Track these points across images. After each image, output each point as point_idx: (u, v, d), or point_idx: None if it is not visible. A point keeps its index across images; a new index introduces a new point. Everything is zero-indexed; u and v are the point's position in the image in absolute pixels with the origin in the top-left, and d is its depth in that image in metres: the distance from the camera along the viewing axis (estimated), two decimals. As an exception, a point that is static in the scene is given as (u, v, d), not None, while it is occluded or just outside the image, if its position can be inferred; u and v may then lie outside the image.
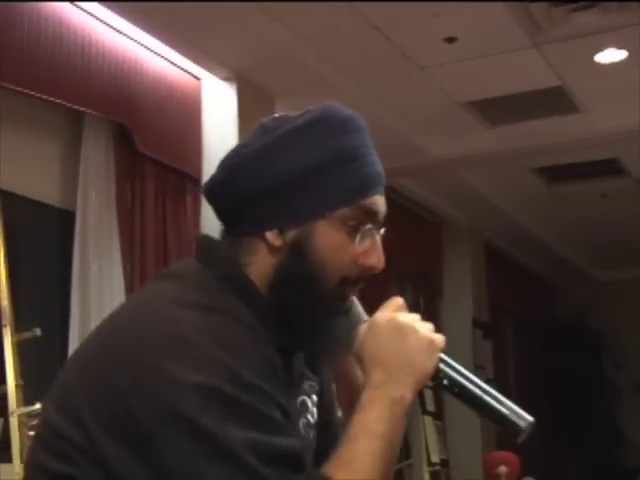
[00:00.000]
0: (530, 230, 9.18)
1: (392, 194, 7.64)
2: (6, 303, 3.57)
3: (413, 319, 1.38)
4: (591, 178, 7.85)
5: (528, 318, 10.49)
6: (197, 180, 5.12)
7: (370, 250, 1.41)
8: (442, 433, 7.52)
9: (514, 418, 1.39)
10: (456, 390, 1.40)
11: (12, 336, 3.51)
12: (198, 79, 5.39)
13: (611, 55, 5.53)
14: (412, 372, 1.33)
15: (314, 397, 1.52)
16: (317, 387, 1.52)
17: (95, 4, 4.47)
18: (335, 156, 1.37)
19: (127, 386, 1.21)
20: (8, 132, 4.18)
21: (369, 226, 1.41)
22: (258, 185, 1.35)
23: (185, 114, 5.20)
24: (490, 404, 1.39)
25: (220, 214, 1.42)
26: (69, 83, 4.37)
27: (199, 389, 1.18)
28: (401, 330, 1.35)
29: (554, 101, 6.19)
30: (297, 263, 1.34)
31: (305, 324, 1.37)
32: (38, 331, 3.54)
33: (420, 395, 6.98)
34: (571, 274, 11.10)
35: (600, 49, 5.45)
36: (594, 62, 5.61)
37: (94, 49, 4.56)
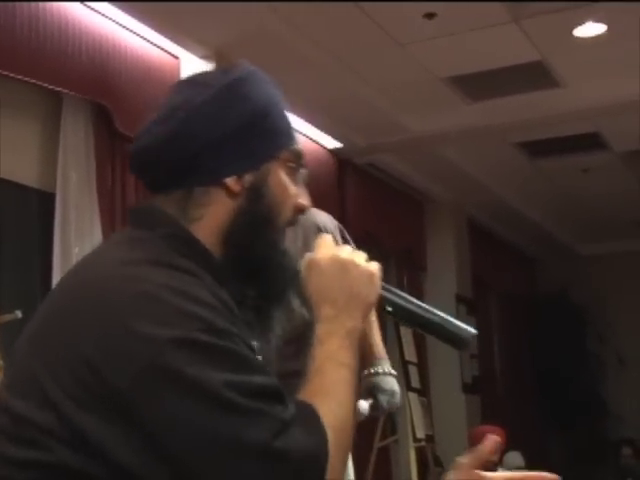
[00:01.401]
0: (513, 205, 9.20)
1: (373, 171, 7.65)
2: (-13, 286, 3.55)
3: (351, 254, 1.45)
4: (573, 152, 7.87)
5: (512, 293, 10.53)
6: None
7: (301, 192, 1.47)
8: (427, 409, 7.54)
9: (458, 331, 1.48)
10: (400, 315, 1.49)
11: (-7, 318, 3.50)
12: (176, 58, 5.36)
13: (590, 29, 5.53)
14: (359, 304, 1.41)
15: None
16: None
17: (71, -17, 4.44)
18: (275, 102, 1.45)
19: (95, 353, 1.19)
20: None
21: (303, 166, 1.48)
22: (216, 134, 1.37)
23: (164, 93, 5.15)
24: (434, 322, 1.48)
25: (162, 172, 1.40)
26: (47, 64, 4.34)
27: (174, 342, 1.18)
28: (343, 266, 1.42)
29: (534, 76, 6.19)
30: (257, 205, 1.39)
31: (271, 265, 1.42)
32: (19, 313, 3.52)
33: (405, 372, 7.00)
34: (554, 248, 11.14)
35: (579, 23, 5.44)
36: (573, 36, 5.61)
37: (71, 29, 4.52)
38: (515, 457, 7.45)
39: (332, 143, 7.07)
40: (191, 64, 5.35)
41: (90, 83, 4.60)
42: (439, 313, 1.47)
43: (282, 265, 1.44)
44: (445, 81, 6.26)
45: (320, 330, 1.38)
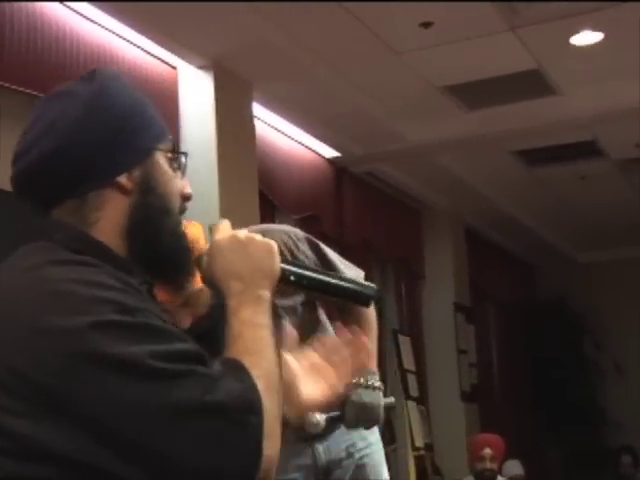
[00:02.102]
0: (510, 213, 9.20)
1: (371, 180, 7.66)
2: None
3: (246, 232, 1.52)
4: (570, 160, 7.87)
5: (510, 301, 10.52)
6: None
7: (185, 181, 1.54)
8: (426, 417, 7.55)
9: (362, 289, 1.55)
10: (304, 282, 1.54)
11: None
12: (174, 68, 5.37)
13: (587, 37, 5.54)
14: (264, 275, 1.47)
15: None
16: None
17: (69, -6, 4.45)
18: (141, 100, 1.50)
19: (16, 359, 1.23)
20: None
21: (183, 158, 1.54)
22: (98, 138, 1.41)
23: (162, 103, 5.17)
24: (338, 284, 1.55)
25: (52, 187, 1.42)
26: (45, 75, 4.34)
27: (92, 327, 1.22)
28: (242, 243, 1.49)
29: (531, 84, 6.21)
30: (149, 198, 1.44)
31: (165, 253, 1.47)
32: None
33: (403, 381, 7.00)
34: (552, 256, 11.14)
35: (576, 31, 5.46)
36: (570, 44, 5.62)
37: (69, 40, 4.53)
38: (514, 466, 7.45)
39: (330, 152, 7.08)
40: (189, 74, 5.36)
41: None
42: (341, 276, 1.57)
43: (185, 251, 1.50)
44: (442, 90, 6.27)
45: (232, 303, 1.44)
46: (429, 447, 7.34)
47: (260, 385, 1.31)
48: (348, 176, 7.39)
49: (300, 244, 2.98)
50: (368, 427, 3.04)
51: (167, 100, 5.24)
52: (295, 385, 1.63)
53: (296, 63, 5.50)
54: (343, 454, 3.15)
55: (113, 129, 1.42)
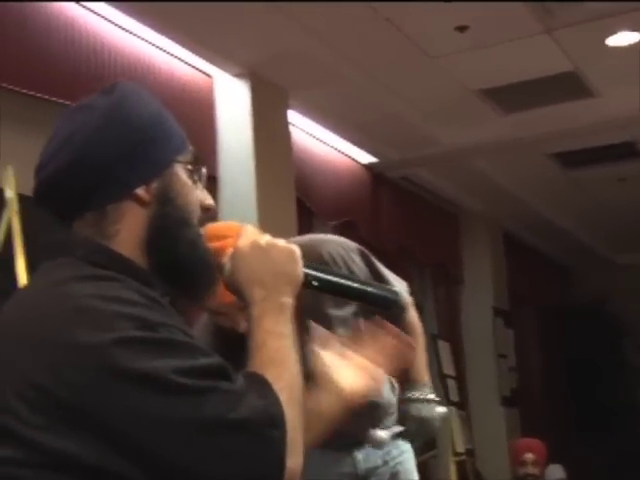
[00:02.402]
0: (547, 216, 9.15)
1: (407, 185, 7.65)
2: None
3: (269, 237, 1.52)
4: (607, 162, 7.82)
5: (548, 304, 10.46)
6: (213, 177, 5.13)
7: (204, 193, 1.53)
8: (466, 423, 7.51)
9: (385, 294, 1.54)
10: (327, 287, 1.54)
11: None
12: (210, 77, 5.39)
13: (623, 38, 5.50)
14: (287, 281, 1.48)
15: None
16: None
17: (103, 5, 4.48)
18: (161, 112, 1.50)
19: (42, 375, 1.24)
20: (24, 136, 4.18)
21: (204, 170, 1.54)
22: (116, 150, 1.41)
23: (198, 112, 5.21)
24: (361, 289, 1.54)
25: (71, 199, 1.43)
26: (82, 86, 4.37)
27: (115, 344, 1.23)
28: (264, 249, 1.49)
29: (567, 86, 6.17)
30: (168, 209, 1.45)
31: (186, 264, 1.47)
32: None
33: (444, 386, 6.98)
34: (590, 259, 11.06)
35: (612, 32, 5.42)
36: (606, 46, 5.58)
37: (106, 51, 4.57)
38: (556, 470, 7.39)
39: (366, 158, 7.08)
40: (225, 83, 5.38)
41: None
42: (364, 280, 1.58)
43: (205, 262, 1.49)
44: (477, 93, 6.25)
45: (255, 311, 1.44)
46: (470, 452, 7.31)
47: (283, 397, 1.33)
48: (384, 181, 7.38)
49: (353, 255, 2.99)
50: (427, 440, 3.09)
51: (204, 108, 5.27)
52: (330, 376, 1.63)
53: (331, 69, 5.50)
54: (379, 462, 3.16)
55: (130, 141, 1.42)
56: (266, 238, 1.51)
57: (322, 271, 1.54)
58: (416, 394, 3.02)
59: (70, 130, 1.43)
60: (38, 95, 4.13)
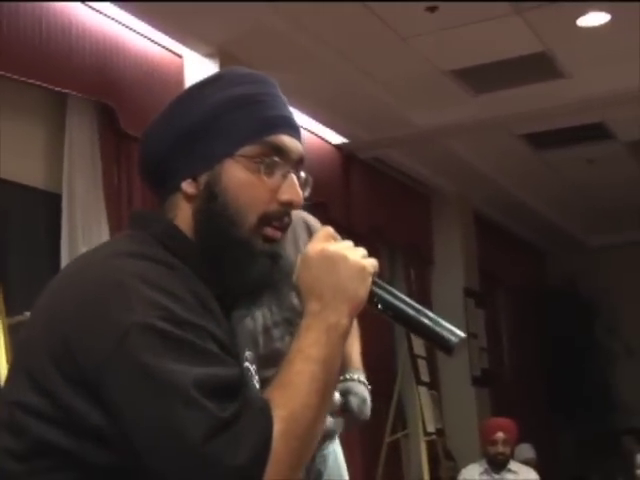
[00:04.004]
0: (519, 197, 9.19)
1: (379, 165, 7.65)
2: (-5, 287, 3.56)
3: (343, 247, 1.42)
4: (578, 143, 7.85)
5: (520, 285, 10.51)
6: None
7: (285, 186, 1.45)
8: (437, 403, 7.54)
9: (447, 334, 1.44)
10: (390, 313, 1.45)
11: (2, 320, 3.51)
12: (180, 57, 5.37)
13: (593, 18, 5.52)
14: (346, 299, 1.38)
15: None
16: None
17: (73, -16, 4.44)
18: (233, 101, 1.45)
19: (70, 333, 1.28)
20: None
21: (274, 159, 1.45)
22: (164, 143, 1.44)
23: (168, 92, 5.16)
24: (424, 323, 1.44)
25: (152, 186, 1.52)
26: (51, 65, 4.35)
27: (137, 328, 1.24)
28: (331, 260, 1.39)
29: (538, 67, 6.18)
30: (210, 205, 1.41)
31: (227, 263, 1.42)
32: (28, 314, 3.52)
33: (414, 366, 7.00)
34: (561, 240, 11.12)
35: (582, 13, 5.43)
36: (577, 26, 5.60)
37: (75, 30, 4.53)
38: (526, 449, 7.46)
39: (337, 138, 7.07)
40: (195, 63, 5.35)
41: (94, 83, 4.60)
42: (430, 314, 1.45)
43: (248, 264, 1.43)
44: (449, 74, 6.25)
45: (302, 324, 1.38)
46: (441, 432, 7.33)
47: (278, 430, 1.26)
48: (356, 162, 7.38)
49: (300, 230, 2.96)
50: (363, 420, 3.07)
51: (174, 88, 5.23)
52: None
53: (302, 49, 5.49)
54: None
55: (179, 135, 1.43)
56: (339, 247, 1.42)
57: (391, 294, 1.45)
58: (354, 376, 3.03)
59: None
60: (5, 74, 4.09)
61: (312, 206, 6.58)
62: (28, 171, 4.51)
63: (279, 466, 1.25)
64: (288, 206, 1.46)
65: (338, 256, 1.39)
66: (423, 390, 7.05)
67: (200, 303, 1.32)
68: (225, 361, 1.29)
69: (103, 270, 1.32)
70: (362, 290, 1.40)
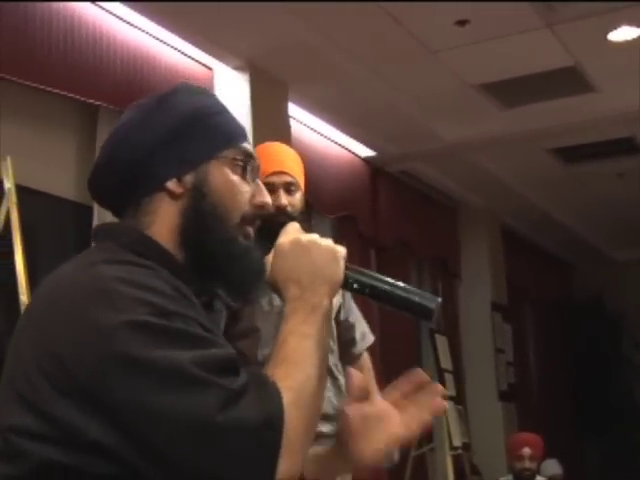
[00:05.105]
0: (547, 211, 9.15)
1: (407, 179, 7.65)
2: (25, 298, 3.59)
3: (313, 236, 1.49)
4: (607, 157, 7.82)
5: (547, 300, 10.46)
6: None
7: (257, 190, 1.52)
8: (463, 417, 7.52)
9: (424, 302, 1.48)
10: (367, 291, 1.50)
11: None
12: (210, 69, 5.39)
13: (624, 33, 5.50)
14: (324, 282, 1.44)
15: None
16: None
17: (105, -3, 4.48)
18: (209, 107, 1.52)
19: (60, 348, 1.27)
20: (23, 127, 4.20)
21: (256, 163, 1.53)
22: (146, 144, 1.46)
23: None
24: (400, 295, 1.49)
25: (111, 194, 1.51)
26: (82, 77, 4.38)
27: (126, 326, 1.25)
28: (305, 247, 1.46)
29: (568, 81, 6.16)
30: (200, 204, 1.46)
31: (221, 258, 1.46)
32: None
33: (441, 380, 6.98)
34: (589, 255, 11.06)
35: (613, 27, 5.41)
36: (607, 40, 5.57)
37: (105, 43, 4.56)
38: (552, 465, 7.40)
39: (365, 152, 7.08)
40: (225, 75, 5.38)
41: (125, 95, 4.63)
42: (404, 286, 1.49)
43: (240, 259, 1.48)
44: (478, 88, 6.24)
45: (286, 309, 1.43)
46: (467, 447, 7.31)
47: (287, 398, 1.30)
48: (384, 175, 7.38)
49: None
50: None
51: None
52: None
53: (331, 63, 5.50)
54: None
55: (162, 136, 1.45)
56: (310, 236, 1.48)
57: (364, 274, 1.51)
58: None
59: (115, 127, 1.49)
60: (37, 86, 4.13)
61: (340, 219, 6.71)
62: (59, 182, 4.54)
63: (293, 433, 1.28)
64: (261, 209, 1.52)
65: (311, 243, 1.46)
66: (449, 404, 7.03)
67: (183, 298, 1.35)
68: (218, 343, 1.32)
69: (81, 280, 1.33)
70: (338, 272, 1.46)
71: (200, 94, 1.54)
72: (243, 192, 1.49)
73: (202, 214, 1.45)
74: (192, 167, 1.46)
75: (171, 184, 1.45)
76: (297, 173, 3.13)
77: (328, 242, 1.48)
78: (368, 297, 1.51)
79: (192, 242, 1.45)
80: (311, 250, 1.45)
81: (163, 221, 1.46)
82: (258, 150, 3.38)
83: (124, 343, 1.24)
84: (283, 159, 3.17)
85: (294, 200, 3.06)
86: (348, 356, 3.28)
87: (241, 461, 1.25)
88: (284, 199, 3.02)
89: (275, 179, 3.03)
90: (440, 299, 1.50)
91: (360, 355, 3.46)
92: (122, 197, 1.49)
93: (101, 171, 1.50)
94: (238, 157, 1.50)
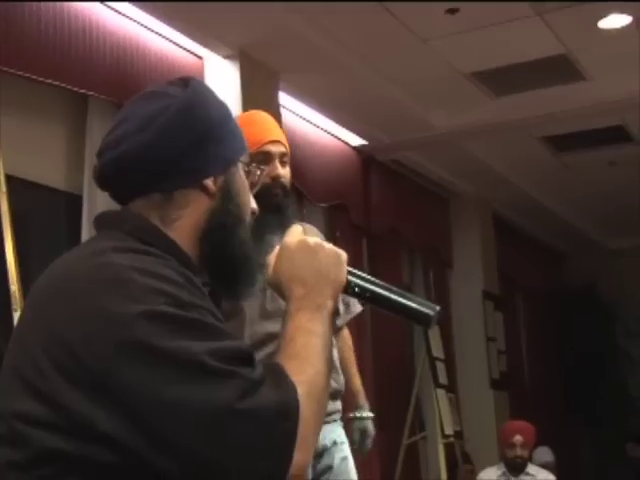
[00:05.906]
0: (538, 200, 9.16)
1: (398, 168, 7.64)
2: (15, 288, 3.58)
3: (318, 239, 1.52)
4: (598, 146, 7.83)
5: (539, 289, 10.48)
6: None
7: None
8: (455, 405, 7.54)
9: (423, 309, 1.51)
10: (367, 295, 1.53)
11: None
12: (200, 58, 5.38)
13: (615, 21, 5.50)
14: (328, 283, 1.47)
15: None
16: None
17: (95, -14, 4.46)
18: (229, 111, 1.57)
19: (71, 337, 1.27)
20: (12, 117, 4.18)
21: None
22: (193, 138, 1.47)
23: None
24: (399, 302, 1.52)
25: (142, 178, 1.47)
26: (72, 67, 4.37)
27: (142, 316, 1.25)
28: (311, 249, 1.49)
29: (558, 69, 6.17)
30: (229, 205, 1.50)
31: (234, 260, 1.51)
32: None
33: (433, 369, 6.99)
34: (581, 243, 11.08)
35: (603, 15, 5.41)
36: (598, 28, 5.57)
37: (95, 32, 4.54)
38: (545, 453, 7.43)
39: (356, 140, 7.07)
40: (215, 64, 5.37)
41: (115, 85, 4.61)
42: (403, 292, 1.52)
43: (251, 262, 1.53)
44: (469, 76, 6.24)
45: (291, 307, 1.45)
46: (459, 435, 7.33)
47: (301, 390, 1.32)
48: (375, 164, 7.37)
49: None
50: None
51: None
52: None
53: (322, 51, 5.49)
54: (328, 443, 3.28)
55: (205, 134, 1.47)
56: (315, 239, 1.52)
57: (365, 279, 1.53)
58: (370, 414, 3.78)
59: (148, 113, 1.47)
60: (26, 76, 4.11)
61: (331, 208, 6.72)
62: (49, 172, 4.53)
63: (306, 426, 1.31)
64: (254, 214, 1.58)
65: (317, 245, 1.49)
66: (441, 393, 7.05)
67: (195, 287, 1.36)
68: (231, 334, 1.34)
69: (91, 268, 1.33)
70: (341, 275, 1.49)
71: (216, 96, 1.56)
72: (251, 196, 1.56)
73: (229, 215, 1.49)
74: (226, 168, 1.51)
75: (209, 181, 1.48)
76: (287, 145, 3.17)
77: (332, 246, 1.52)
78: (368, 301, 1.54)
79: (215, 241, 1.49)
80: (318, 252, 1.49)
81: (192, 216, 1.48)
82: (248, 116, 3.39)
83: (142, 333, 1.24)
84: (277, 129, 3.19)
85: (287, 172, 3.09)
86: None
87: (258, 450, 1.26)
88: (280, 169, 3.05)
89: (272, 148, 3.06)
90: (439, 307, 1.52)
91: (342, 327, 3.55)
92: (154, 184, 1.47)
93: (134, 157, 1.45)
94: (248, 162, 1.56)
